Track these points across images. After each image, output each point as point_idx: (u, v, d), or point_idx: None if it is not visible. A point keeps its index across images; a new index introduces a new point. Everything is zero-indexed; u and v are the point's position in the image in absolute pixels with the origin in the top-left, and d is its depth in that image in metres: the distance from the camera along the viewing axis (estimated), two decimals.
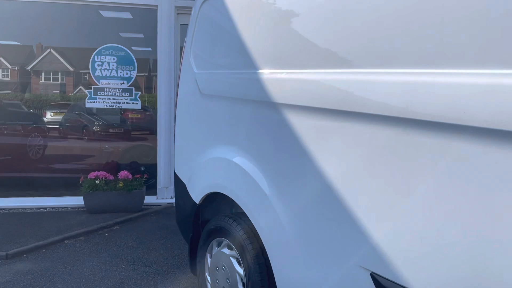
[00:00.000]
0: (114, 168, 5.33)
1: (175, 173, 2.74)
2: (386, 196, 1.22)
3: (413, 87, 1.13)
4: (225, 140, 2.08)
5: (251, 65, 1.83)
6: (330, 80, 1.42)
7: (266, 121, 1.73)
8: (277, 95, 1.65)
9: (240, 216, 2.07)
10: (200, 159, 2.31)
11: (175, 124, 2.71)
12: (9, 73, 6.60)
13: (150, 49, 6.67)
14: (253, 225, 1.91)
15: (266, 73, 1.73)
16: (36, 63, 6.49)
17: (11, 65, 6.29)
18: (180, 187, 2.63)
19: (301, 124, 1.52)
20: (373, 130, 1.25)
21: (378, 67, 1.27)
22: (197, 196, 2.31)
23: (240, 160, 1.93)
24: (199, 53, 2.41)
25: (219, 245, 2.17)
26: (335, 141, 1.39)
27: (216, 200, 2.32)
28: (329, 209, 1.43)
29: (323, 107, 1.43)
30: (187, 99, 2.55)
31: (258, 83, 1.77)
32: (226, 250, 2.09)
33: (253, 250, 1.90)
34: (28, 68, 6.41)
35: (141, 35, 6.48)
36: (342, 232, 1.38)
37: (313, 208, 1.50)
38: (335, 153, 1.40)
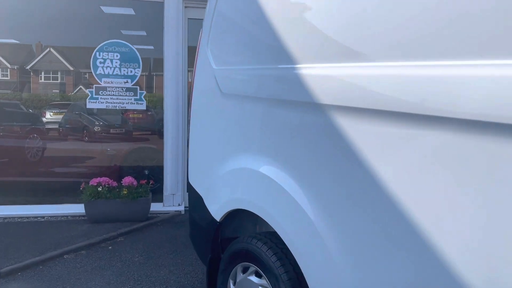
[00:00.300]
0: (117, 172, 5.02)
1: (189, 183, 2.42)
2: (486, 229, 0.90)
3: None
4: (254, 149, 1.75)
5: (292, 59, 1.50)
6: (400, 77, 1.10)
7: (313, 127, 1.40)
8: (326, 94, 1.33)
9: (270, 237, 1.75)
10: (221, 169, 1.99)
11: (189, 128, 2.39)
12: (8, 73, 6.38)
13: (152, 47, 6.36)
14: (289, 250, 1.59)
15: (312, 69, 1.41)
16: (36, 62, 6.25)
17: (10, 64, 6.03)
18: (195, 199, 2.31)
19: (363, 132, 1.20)
20: (461, 138, 0.94)
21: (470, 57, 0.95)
22: (217, 212, 1.99)
23: (274, 173, 1.61)
24: (218, 46, 2.08)
25: (244, 271, 1.85)
26: (408, 153, 1.07)
27: (238, 215, 2.00)
28: (397, 241, 1.11)
29: (391, 110, 1.11)
30: (204, 99, 2.23)
31: (298, 80, 1.45)
32: (254, 278, 1.77)
33: (289, 281, 1.58)
34: (28, 67, 6.15)
35: (143, 33, 6.17)
36: (418, 271, 1.07)
37: (375, 238, 1.19)
38: (408, 169, 1.08)
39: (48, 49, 6.38)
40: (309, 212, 1.45)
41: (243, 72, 1.82)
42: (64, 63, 6.30)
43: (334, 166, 1.33)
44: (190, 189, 2.40)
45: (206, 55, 2.19)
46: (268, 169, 1.66)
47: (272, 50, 1.61)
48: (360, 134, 1.21)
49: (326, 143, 1.35)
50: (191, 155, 2.38)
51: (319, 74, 1.38)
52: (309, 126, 1.42)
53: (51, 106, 6.37)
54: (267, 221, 1.67)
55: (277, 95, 1.58)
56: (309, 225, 1.44)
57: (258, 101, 1.71)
